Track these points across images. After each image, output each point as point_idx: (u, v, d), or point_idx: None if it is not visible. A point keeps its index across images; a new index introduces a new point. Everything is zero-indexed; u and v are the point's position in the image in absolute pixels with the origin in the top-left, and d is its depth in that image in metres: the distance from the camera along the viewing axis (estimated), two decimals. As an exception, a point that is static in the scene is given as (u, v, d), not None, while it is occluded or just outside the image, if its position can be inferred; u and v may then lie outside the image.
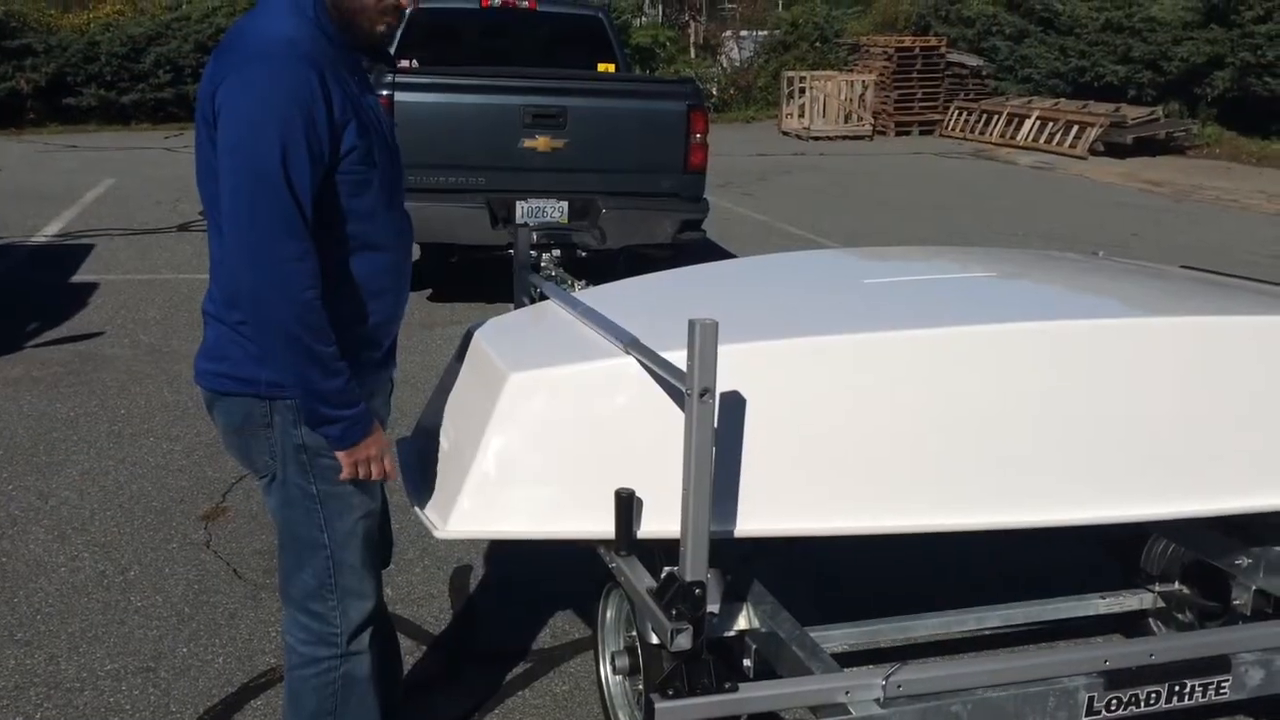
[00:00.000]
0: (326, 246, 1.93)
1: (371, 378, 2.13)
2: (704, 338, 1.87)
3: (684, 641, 2.02)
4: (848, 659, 2.62)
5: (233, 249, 1.88)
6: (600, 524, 2.11)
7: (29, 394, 5.19)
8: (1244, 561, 2.71)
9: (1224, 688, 2.28)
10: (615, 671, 2.58)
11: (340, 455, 2.01)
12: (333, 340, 1.92)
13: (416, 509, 2.29)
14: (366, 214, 2.01)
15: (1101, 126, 15.76)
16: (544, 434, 2.17)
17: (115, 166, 13.06)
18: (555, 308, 2.64)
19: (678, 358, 1.96)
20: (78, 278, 7.56)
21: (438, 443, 2.38)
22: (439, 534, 2.15)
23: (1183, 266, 3.72)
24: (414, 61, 7.49)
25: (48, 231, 9.14)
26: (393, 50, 7.77)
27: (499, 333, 2.49)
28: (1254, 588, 2.70)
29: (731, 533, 2.15)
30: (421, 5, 8.30)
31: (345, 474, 2.03)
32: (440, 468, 2.33)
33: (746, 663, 2.40)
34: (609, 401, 2.16)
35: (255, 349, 1.97)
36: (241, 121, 1.84)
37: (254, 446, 2.08)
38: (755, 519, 2.17)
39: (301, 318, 1.87)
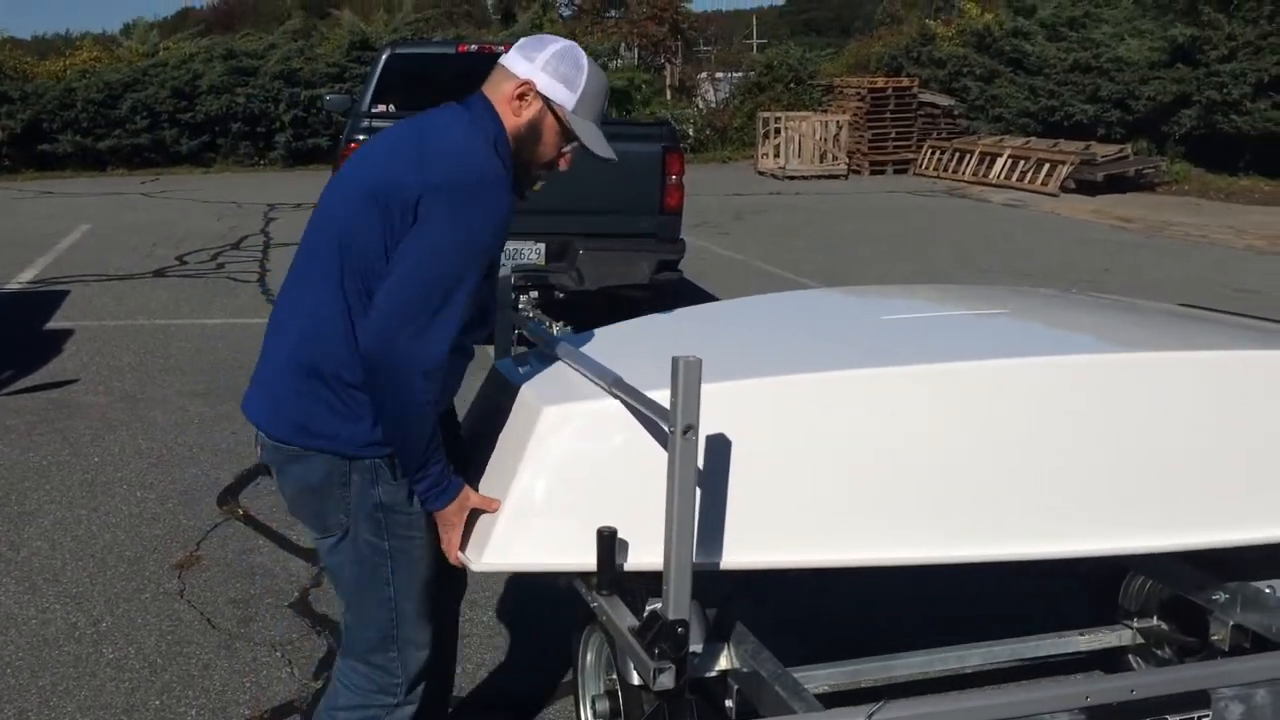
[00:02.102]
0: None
1: None
2: (687, 375, 1.88)
3: (667, 681, 2.01)
4: (830, 699, 2.61)
5: (383, 338, 1.95)
6: (633, 556, 2.12)
7: (1, 443, 5.13)
8: (1221, 597, 2.72)
9: (1205, 722, 2.28)
10: (595, 716, 2.55)
11: (438, 515, 2.10)
12: (435, 425, 2.03)
13: None
14: (469, 323, 2.10)
15: (1072, 164, 15.99)
16: (577, 467, 2.19)
17: (91, 212, 13.03)
18: (580, 346, 2.65)
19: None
20: (52, 324, 7.51)
21: (467, 478, 2.39)
22: (475, 568, 2.16)
23: (1181, 304, 3.76)
24: (390, 106, 7.53)
25: (22, 278, 9.09)
26: (369, 99, 7.83)
27: (527, 368, 2.51)
28: (1232, 623, 2.70)
29: (718, 565, 2.16)
30: (398, 51, 8.37)
31: (443, 540, 2.12)
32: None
33: (729, 703, 2.39)
34: (641, 435, 2.16)
35: (341, 408, 2.04)
36: (451, 241, 1.98)
37: (329, 505, 2.10)
38: (740, 552, 2.18)
39: (424, 406, 1.99)
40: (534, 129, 2.14)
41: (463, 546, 2.14)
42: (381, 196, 2.02)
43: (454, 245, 1.98)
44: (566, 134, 2.17)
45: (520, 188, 2.19)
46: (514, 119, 2.13)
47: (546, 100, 2.13)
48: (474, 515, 2.15)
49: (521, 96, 2.13)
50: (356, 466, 2.06)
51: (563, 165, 2.24)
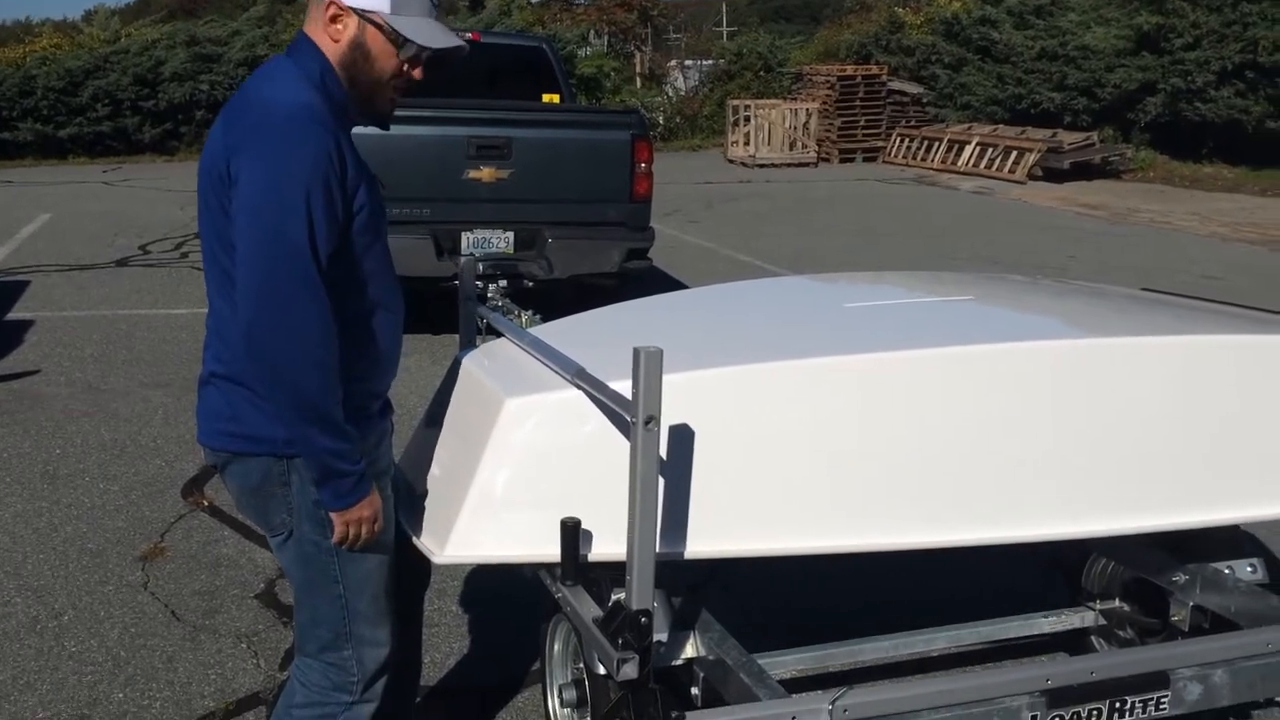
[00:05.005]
0: (344, 306, 1.95)
1: (376, 428, 2.15)
2: (648, 365, 1.88)
3: (630, 671, 2.01)
4: (797, 684, 2.62)
5: (250, 310, 1.86)
6: (597, 546, 2.12)
7: (-40, 435, 5.06)
8: (1181, 578, 2.76)
9: (1163, 703, 2.31)
10: (563, 705, 2.55)
11: (334, 516, 1.99)
12: (341, 401, 1.92)
13: (412, 536, 2.28)
14: (375, 273, 2.05)
15: (1039, 152, 16.09)
16: (540, 458, 2.19)
17: (52, 201, 12.84)
18: (542, 335, 2.64)
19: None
20: (12, 315, 7.39)
21: (429, 471, 2.38)
22: (437, 560, 2.15)
23: (1144, 289, 3.80)
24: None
25: (-19, 268, 8.96)
26: None
27: (491, 360, 2.49)
28: (1191, 604, 2.74)
29: (681, 554, 2.16)
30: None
31: (336, 536, 2.01)
32: (433, 495, 2.33)
33: (695, 691, 2.39)
34: (604, 426, 2.16)
35: (271, 408, 1.95)
36: (262, 185, 1.85)
37: (271, 505, 2.06)
38: (704, 541, 2.18)
39: (318, 379, 1.88)
40: (359, 48, 2.00)
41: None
42: (206, 181, 1.94)
43: (272, 197, 1.83)
44: (397, 41, 2.00)
45: (378, 115, 2.09)
46: (334, 45, 2.00)
47: (360, 13, 1.98)
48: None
49: (334, 19, 1.99)
50: (294, 465, 2.00)
51: (416, 75, 2.05)
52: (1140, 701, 2.29)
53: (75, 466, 4.72)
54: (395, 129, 2.27)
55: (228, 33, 18.92)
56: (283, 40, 18.78)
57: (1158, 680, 2.31)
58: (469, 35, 7.98)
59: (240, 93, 2.01)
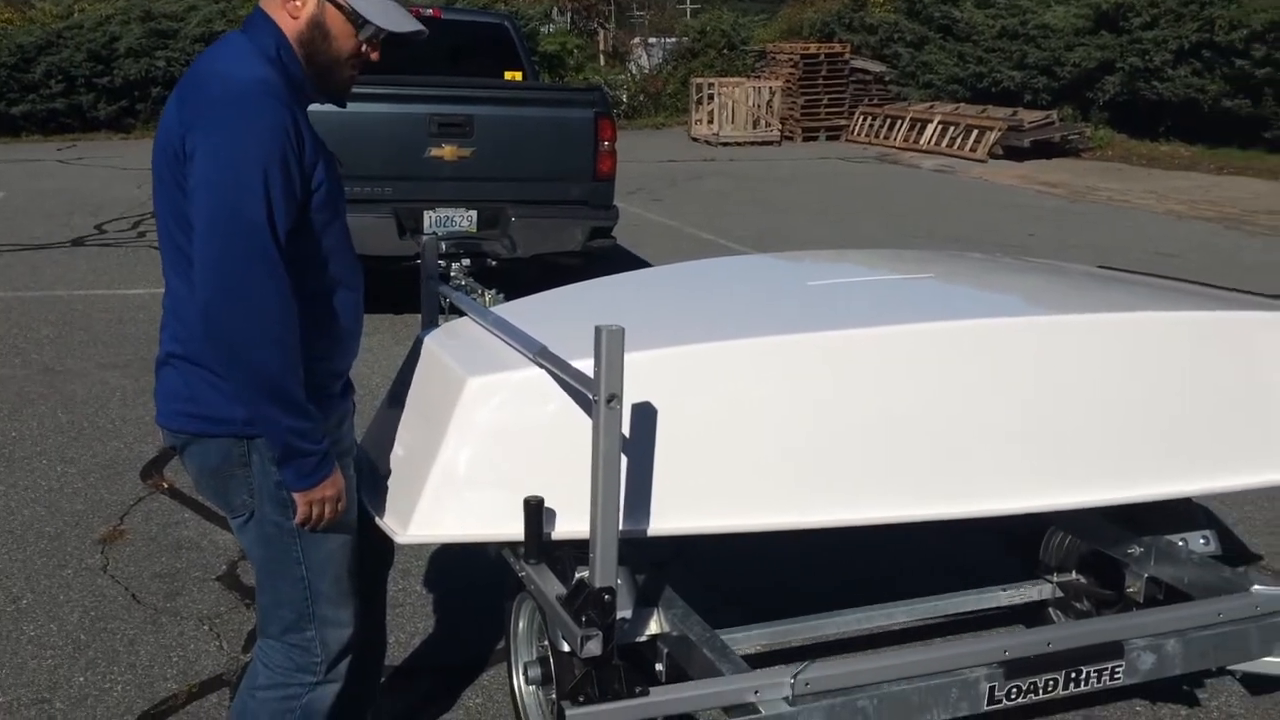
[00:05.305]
0: (304, 285, 1.94)
1: (338, 408, 2.14)
2: (610, 344, 1.88)
3: (594, 648, 2.03)
4: (760, 659, 2.65)
5: (207, 289, 1.84)
6: (560, 525, 2.12)
7: (-88, 418, 4.97)
8: (1136, 550, 2.81)
9: (1118, 673, 2.36)
10: (528, 682, 2.56)
11: (297, 496, 1.98)
12: (302, 380, 1.91)
13: (375, 516, 2.28)
14: (335, 251, 2.03)
15: (1000, 130, 16.21)
16: (503, 437, 2.19)
17: (4, 180, 12.59)
18: (505, 314, 2.63)
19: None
20: (-35, 296, 7.27)
21: (391, 450, 2.38)
22: (400, 539, 2.15)
23: (1101, 267, 3.84)
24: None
25: (-68, 248, 8.78)
26: None
27: (453, 339, 2.48)
28: (1146, 575, 2.79)
29: (644, 532, 2.18)
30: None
31: (299, 516, 2.00)
32: (396, 474, 2.32)
33: (660, 667, 2.41)
34: (567, 404, 2.16)
35: (230, 388, 1.93)
36: (219, 161, 1.84)
37: (231, 486, 2.04)
38: (667, 518, 2.20)
39: (279, 357, 1.87)
40: (317, 26, 1.99)
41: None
42: (161, 158, 1.92)
43: (228, 173, 1.82)
44: (356, 21, 2.00)
45: (334, 94, 2.08)
46: (292, 22, 1.99)
47: None
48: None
49: None
50: (255, 446, 1.99)
51: (373, 56, 2.06)
52: (1095, 671, 2.34)
53: (32, 449, 4.65)
54: (357, 107, 2.25)
55: (184, 8, 18.58)
56: (239, 16, 18.46)
57: (1112, 650, 2.36)
58: (430, 12, 7.89)
59: (193, 68, 1.99)
